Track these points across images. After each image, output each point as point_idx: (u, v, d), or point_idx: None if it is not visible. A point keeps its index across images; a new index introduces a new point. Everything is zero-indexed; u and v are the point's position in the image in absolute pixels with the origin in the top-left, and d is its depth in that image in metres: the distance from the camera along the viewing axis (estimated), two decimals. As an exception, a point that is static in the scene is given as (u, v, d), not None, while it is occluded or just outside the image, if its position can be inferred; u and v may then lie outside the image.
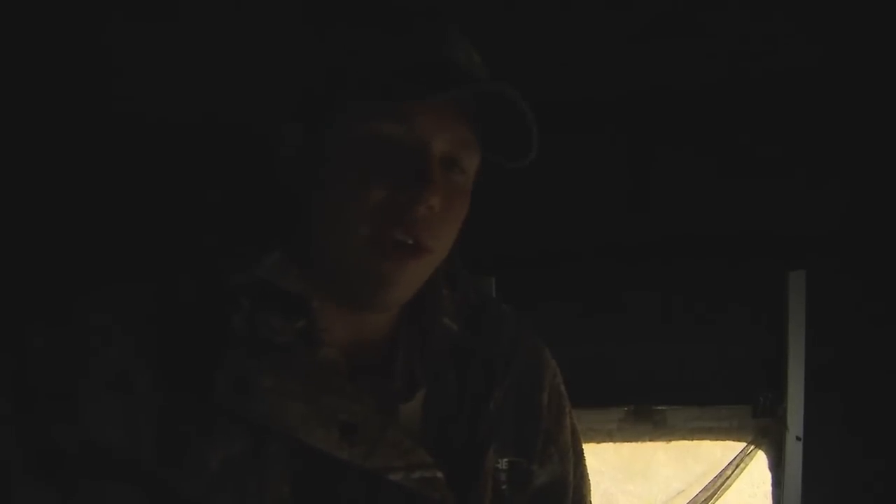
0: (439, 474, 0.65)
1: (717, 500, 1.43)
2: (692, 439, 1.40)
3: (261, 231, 0.67)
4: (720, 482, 1.44)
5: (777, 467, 1.41)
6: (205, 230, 0.69)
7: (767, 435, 1.40)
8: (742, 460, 1.45)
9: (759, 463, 1.47)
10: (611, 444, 1.38)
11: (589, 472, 0.86)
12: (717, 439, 1.41)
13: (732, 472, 1.43)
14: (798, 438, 1.37)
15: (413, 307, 0.70)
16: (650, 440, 1.38)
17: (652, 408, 1.38)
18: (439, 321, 0.72)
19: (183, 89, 1.16)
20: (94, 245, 1.15)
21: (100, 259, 1.09)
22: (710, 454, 1.58)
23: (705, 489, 1.43)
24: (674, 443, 1.44)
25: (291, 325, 0.64)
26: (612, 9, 1.11)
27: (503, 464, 0.72)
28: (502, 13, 1.11)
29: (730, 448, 1.48)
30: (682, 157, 1.41)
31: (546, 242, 1.38)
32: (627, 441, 1.38)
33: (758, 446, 1.42)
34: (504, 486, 0.72)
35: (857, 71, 1.33)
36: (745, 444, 1.43)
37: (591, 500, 0.87)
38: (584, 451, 0.86)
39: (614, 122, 1.38)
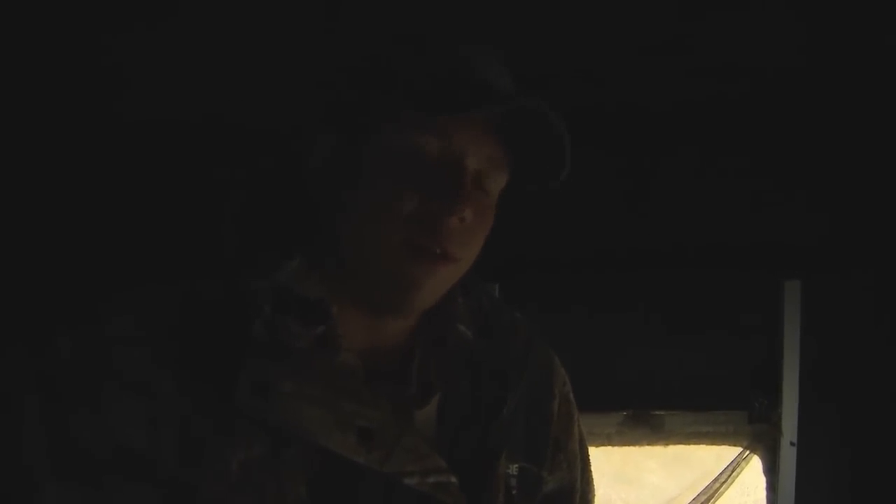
0: (453, 479, 0.66)
1: (714, 502, 1.45)
2: (689, 443, 1.42)
3: (282, 237, 0.68)
4: (716, 486, 1.46)
5: (771, 472, 1.43)
6: (227, 235, 0.70)
7: (762, 440, 1.42)
8: (738, 465, 1.48)
9: (754, 467, 1.50)
10: (602, 453, 1.40)
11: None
12: (713, 444, 1.43)
13: (728, 477, 1.46)
14: (792, 444, 1.39)
15: (429, 314, 0.72)
16: (648, 444, 1.40)
17: (650, 412, 1.40)
18: (454, 328, 0.73)
19: (207, 92, 1.16)
20: (118, 249, 1.16)
21: (124, 263, 1.10)
22: (702, 462, 1.60)
23: (704, 491, 1.46)
24: (666, 451, 1.46)
25: (311, 330, 0.65)
26: (618, 23, 1.13)
27: (514, 470, 0.73)
28: (508, 23, 1.12)
29: (722, 457, 1.51)
30: (681, 167, 1.43)
31: (548, 249, 1.40)
32: (626, 445, 1.40)
33: (753, 451, 1.44)
34: (514, 492, 0.73)
35: (853, 82, 1.36)
36: (740, 449, 1.46)
37: (595, 506, 0.89)
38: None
39: (616, 132, 1.39)
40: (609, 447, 1.43)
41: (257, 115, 1.09)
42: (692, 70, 1.29)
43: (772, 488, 1.43)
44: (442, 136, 0.62)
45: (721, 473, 1.47)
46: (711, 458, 1.55)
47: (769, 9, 1.11)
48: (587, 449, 0.86)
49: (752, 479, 1.51)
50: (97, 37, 1.04)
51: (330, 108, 0.68)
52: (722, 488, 1.47)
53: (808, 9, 1.12)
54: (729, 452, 1.50)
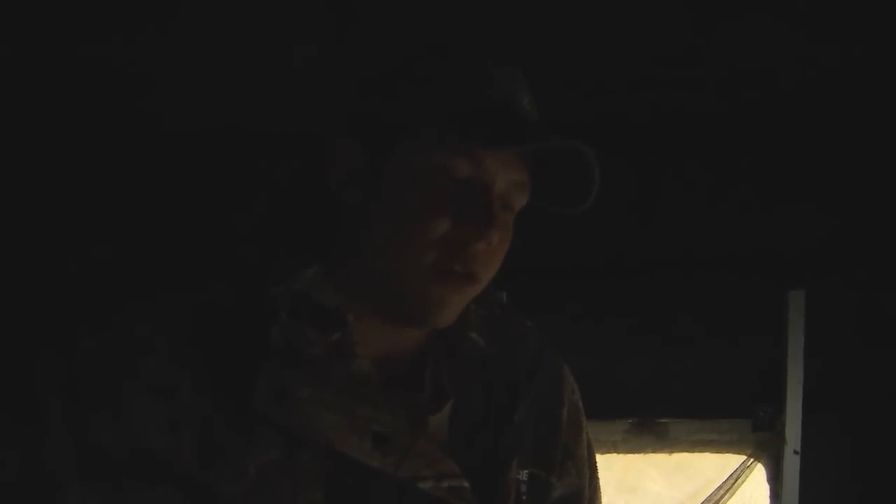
0: (466, 484, 0.67)
1: (718, 511, 1.46)
2: (693, 451, 1.43)
3: (300, 244, 0.70)
4: (720, 494, 1.47)
5: (775, 480, 1.44)
6: (245, 242, 0.72)
7: (766, 448, 1.43)
8: (740, 474, 1.48)
9: (755, 478, 1.50)
10: (605, 462, 1.40)
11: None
12: (717, 452, 1.44)
13: (733, 484, 1.47)
14: (796, 452, 1.40)
15: None
16: (653, 451, 1.41)
17: (655, 420, 1.41)
18: (466, 336, 0.75)
19: (227, 100, 1.17)
20: (140, 255, 1.17)
21: (146, 268, 1.11)
22: (703, 472, 1.61)
23: (706, 501, 1.47)
24: (668, 462, 1.47)
25: (326, 337, 0.66)
26: (627, 33, 1.14)
27: (524, 475, 0.74)
28: (519, 32, 1.14)
29: (723, 467, 1.52)
30: (686, 177, 1.44)
31: (555, 258, 1.41)
32: (632, 452, 1.40)
33: (757, 459, 1.45)
34: (524, 498, 0.74)
35: (856, 92, 1.37)
36: (744, 458, 1.46)
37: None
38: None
39: (625, 142, 1.41)
40: (611, 457, 1.44)
41: (278, 122, 1.10)
42: (699, 81, 1.30)
43: (775, 496, 1.43)
44: (474, 161, 0.63)
45: (724, 482, 1.48)
46: (712, 467, 1.56)
47: (774, 21, 1.13)
48: (594, 456, 0.87)
49: (753, 489, 1.52)
50: (121, 46, 1.05)
51: (360, 119, 0.69)
52: (724, 498, 1.48)
53: (811, 20, 1.14)
54: (730, 462, 1.51)
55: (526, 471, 0.75)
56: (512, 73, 0.68)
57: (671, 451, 1.42)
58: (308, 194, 0.71)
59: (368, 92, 0.69)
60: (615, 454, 1.44)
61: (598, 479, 0.88)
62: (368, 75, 0.70)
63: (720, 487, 1.47)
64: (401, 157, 0.65)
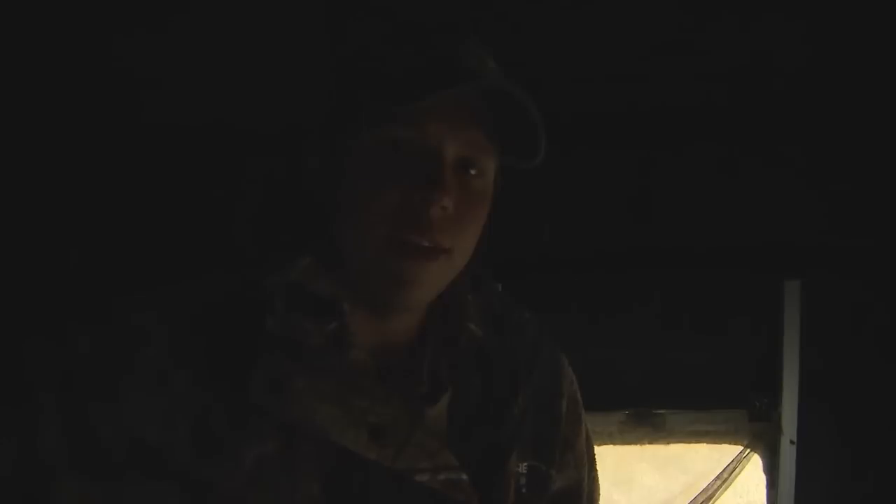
0: (464, 476, 0.66)
1: (715, 500, 1.47)
2: (690, 442, 1.43)
3: (294, 236, 0.69)
4: (717, 484, 1.48)
5: (772, 470, 1.45)
6: (241, 235, 0.71)
7: (763, 438, 1.44)
8: (735, 466, 1.49)
9: (749, 470, 1.51)
10: (597, 455, 1.40)
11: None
12: (713, 443, 1.44)
13: (730, 475, 1.47)
14: (792, 442, 1.40)
15: (439, 312, 0.72)
16: (649, 443, 1.41)
17: (651, 411, 1.41)
18: (465, 326, 0.73)
19: (220, 97, 1.17)
20: (135, 249, 1.17)
21: (141, 262, 1.11)
22: (694, 465, 1.62)
23: (704, 490, 1.47)
24: (658, 455, 1.47)
25: (323, 327, 0.65)
26: (625, 25, 1.14)
27: (523, 468, 0.74)
28: (517, 29, 1.13)
29: (714, 460, 1.53)
30: (682, 168, 1.44)
31: (550, 250, 1.41)
32: (628, 444, 1.41)
33: (753, 449, 1.46)
34: (524, 490, 0.73)
35: (852, 84, 1.37)
36: (740, 448, 1.47)
37: (600, 504, 0.89)
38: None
39: (620, 135, 1.40)
40: (606, 451, 1.44)
41: (270, 119, 1.10)
42: (694, 72, 1.30)
43: (772, 486, 1.44)
44: (417, 127, 0.61)
45: (721, 473, 1.48)
46: (703, 460, 1.57)
47: (773, 12, 1.13)
48: (593, 448, 0.87)
49: (746, 480, 1.53)
50: (112, 45, 1.05)
51: (317, 111, 0.68)
52: (719, 491, 1.48)
53: (812, 12, 1.13)
54: (724, 456, 1.52)
55: (525, 463, 0.74)
56: (456, 37, 0.65)
57: (667, 443, 1.42)
58: (299, 187, 0.70)
59: (322, 84, 0.68)
60: (611, 445, 1.44)
61: (596, 470, 0.87)
62: (325, 69, 0.69)
63: (717, 478, 1.48)
64: (355, 139, 0.63)
